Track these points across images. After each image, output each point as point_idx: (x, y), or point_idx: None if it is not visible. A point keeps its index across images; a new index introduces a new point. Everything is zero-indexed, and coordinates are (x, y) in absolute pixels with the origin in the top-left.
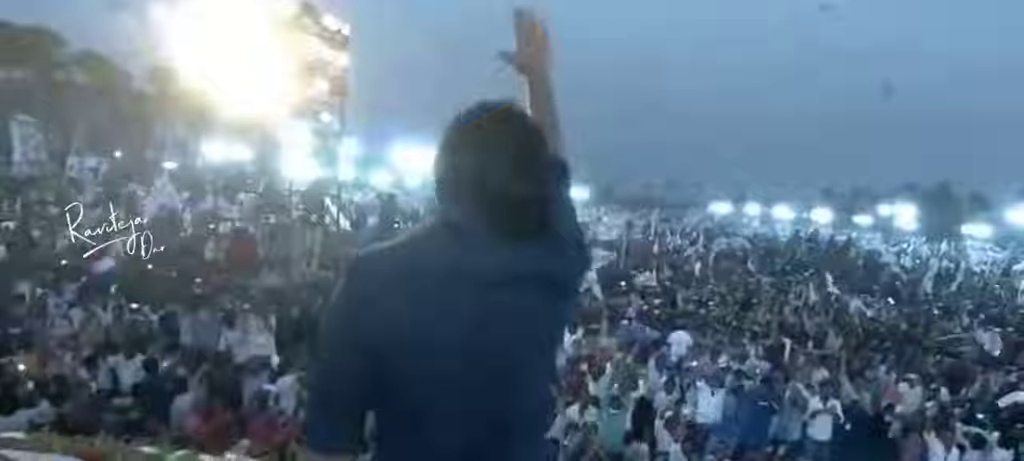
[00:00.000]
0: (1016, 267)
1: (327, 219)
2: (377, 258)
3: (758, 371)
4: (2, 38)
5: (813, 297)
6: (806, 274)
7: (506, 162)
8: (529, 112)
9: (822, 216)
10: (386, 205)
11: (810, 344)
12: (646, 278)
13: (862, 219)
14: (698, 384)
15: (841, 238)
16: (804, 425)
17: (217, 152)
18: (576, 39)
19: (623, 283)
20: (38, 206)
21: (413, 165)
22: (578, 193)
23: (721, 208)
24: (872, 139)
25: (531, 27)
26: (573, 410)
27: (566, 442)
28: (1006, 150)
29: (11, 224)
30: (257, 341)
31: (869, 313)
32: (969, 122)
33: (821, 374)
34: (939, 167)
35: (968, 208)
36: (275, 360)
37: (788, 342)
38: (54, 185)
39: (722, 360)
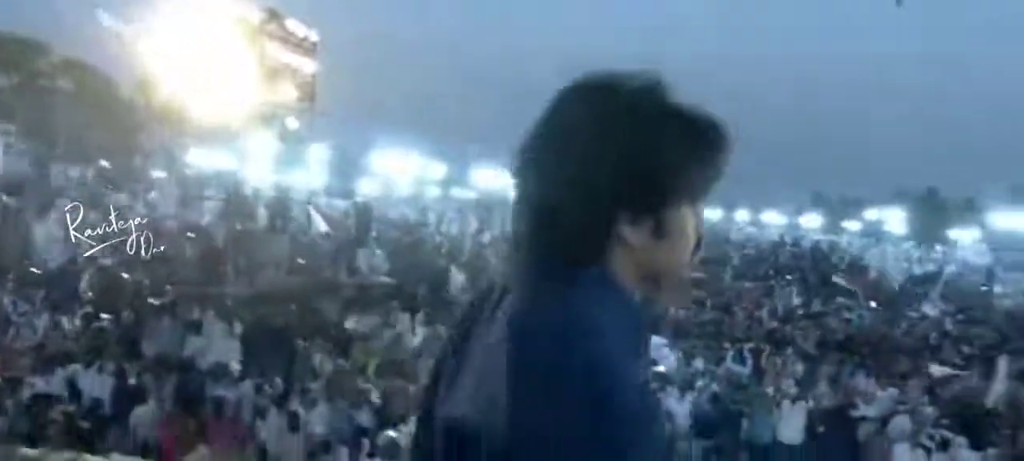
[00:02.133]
0: (1000, 272)
1: (295, 226)
2: None
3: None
4: None
5: (795, 301)
6: (788, 278)
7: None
8: None
9: (812, 221)
10: (361, 213)
11: (790, 349)
12: None
13: (851, 225)
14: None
15: (824, 242)
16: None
17: (204, 159)
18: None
19: None
20: (16, 213)
21: (402, 173)
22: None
23: (711, 215)
24: (865, 142)
25: None
26: None
27: None
28: (992, 149)
29: None
30: (223, 347)
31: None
32: (957, 124)
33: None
34: (927, 171)
35: (957, 212)
36: (234, 367)
37: (766, 347)
38: (33, 192)
39: (697, 364)
